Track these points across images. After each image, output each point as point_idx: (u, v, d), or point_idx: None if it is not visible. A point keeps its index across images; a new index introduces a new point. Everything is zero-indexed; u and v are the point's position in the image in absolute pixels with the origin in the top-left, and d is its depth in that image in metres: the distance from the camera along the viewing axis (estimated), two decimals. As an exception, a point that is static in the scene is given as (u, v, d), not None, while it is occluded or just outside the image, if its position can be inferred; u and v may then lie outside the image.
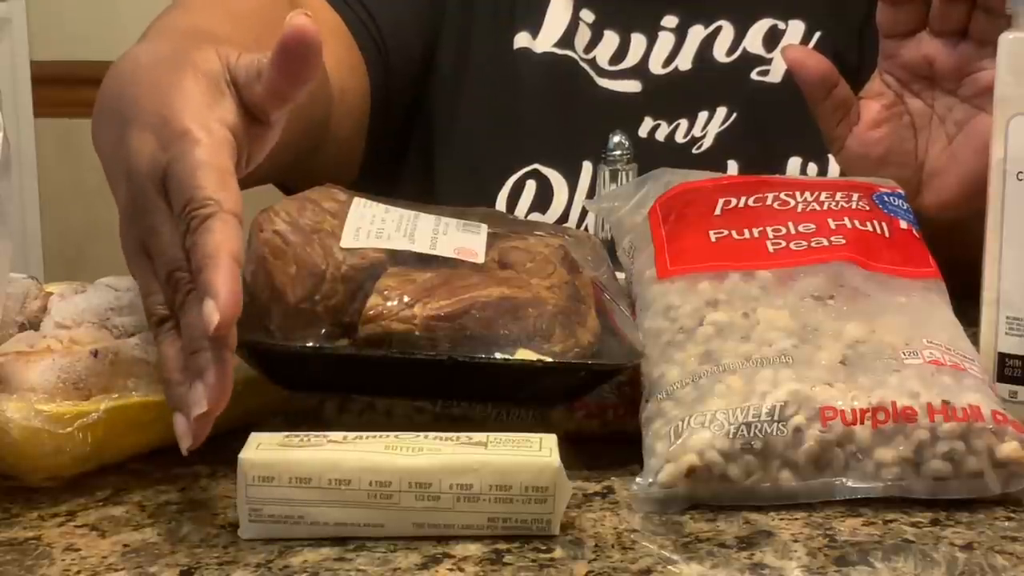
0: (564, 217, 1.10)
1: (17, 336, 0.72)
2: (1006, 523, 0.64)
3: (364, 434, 0.62)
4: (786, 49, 0.93)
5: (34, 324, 0.74)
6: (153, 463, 0.71)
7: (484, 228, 0.76)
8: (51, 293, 0.75)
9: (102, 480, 0.69)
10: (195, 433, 0.61)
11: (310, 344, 0.69)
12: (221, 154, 0.64)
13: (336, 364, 0.69)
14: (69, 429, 0.65)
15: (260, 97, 0.67)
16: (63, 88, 2.67)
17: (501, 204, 1.10)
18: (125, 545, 0.62)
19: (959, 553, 0.60)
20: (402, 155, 1.15)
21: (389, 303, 0.68)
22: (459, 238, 0.74)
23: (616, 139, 1.01)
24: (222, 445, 0.68)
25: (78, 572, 0.59)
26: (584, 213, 1.09)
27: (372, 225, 0.73)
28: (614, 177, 1.01)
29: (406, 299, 0.69)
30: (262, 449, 0.61)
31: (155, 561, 0.60)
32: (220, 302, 0.59)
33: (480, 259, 0.73)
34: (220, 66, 0.68)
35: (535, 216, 1.10)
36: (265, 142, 0.70)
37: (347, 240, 0.72)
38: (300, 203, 0.74)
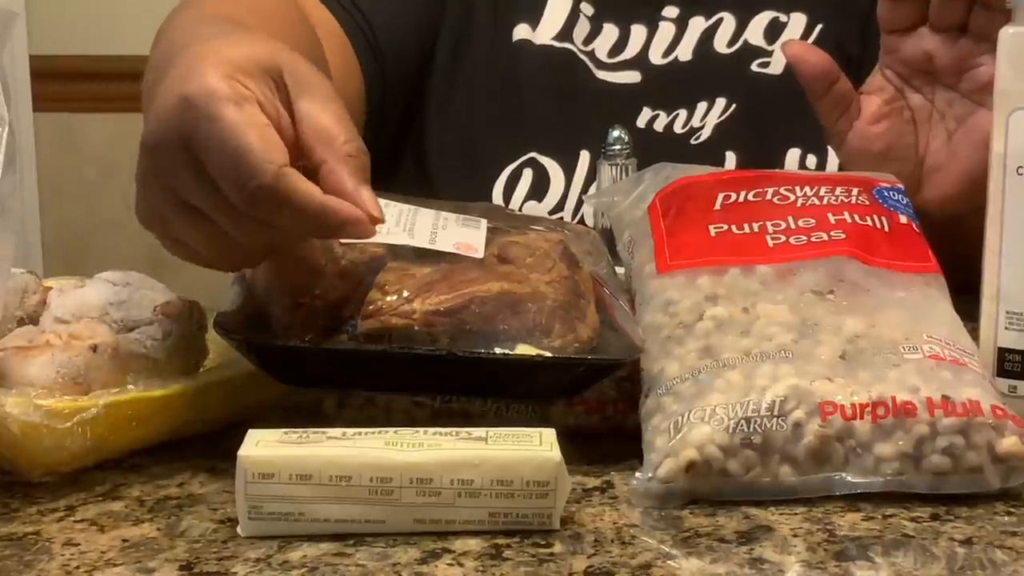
0: (560, 206, 1.10)
1: (16, 331, 0.72)
2: (1006, 518, 0.64)
3: (363, 430, 0.62)
4: (786, 44, 0.93)
5: (33, 319, 0.74)
6: (152, 458, 0.71)
7: (484, 223, 0.76)
8: (50, 288, 0.75)
9: (101, 475, 0.69)
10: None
11: (309, 339, 0.69)
12: (250, 108, 0.64)
13: (335, 359, 0.69)
14: (68, 424, 0.65)
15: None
16: (62, 83, 2.66)
17: (498, 192, 1.10)
18: (124, 540, 0.62)
19: (959, 548, 0.60)
20: (398, 153, 1.15)
21: (388, 298, 0.68)
22: (458, 233, 0.74)
23: (616, 133, 1.01)
24: (220, 440, 0.68)
25: (77, 567, 0.59)
26: (580, 202, 1.10)
27: (371, 220, 0.73)
28: (614, 171, 1.01)
29: (405, 294, 0.69)
30: (261, 446, 0.61)
31: (154, 556, 0.60)
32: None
33: (479, 254, 0.73)
34: (278, 62, 0.67)
35: (531, 204, 1.10)
36: None
37: (346, 235, 0.71)
38: (299, 198, 0.74)
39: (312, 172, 0.65)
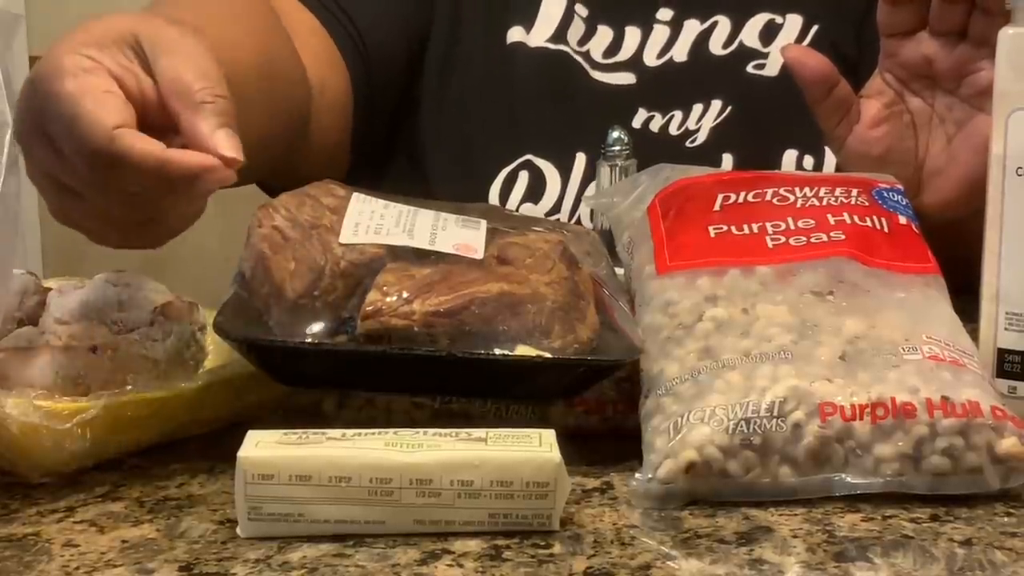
0: (556, 208, 1.10)
1: (16, 332, 0.72)
2: (1005, 519, 0.64)
3: (363, 431, 0.62)
4: (786, 48, 0.93)
5: (33, 320, 0.74)
6: (151, 459, 0.71)
7: (483, 224, 0.76)
8: (50, 289, 0.75)
9: (101, 476, 0.69)
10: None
11: (309, 340, 0.69)
12: (90, 77, 0.64)
13: (335, 360, 0.69)
14: (68, 425, 0.65)
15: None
16: (62, 83, 2.66)
17: (494, 195, 1.10)
18: (124, 541, 0.62)
19: (958, 549, 0.60)
20: (390, 156, 1.15)
21: (388, 299, 0.68)
22: (458, 234, 0.74)
23: (615, 134, 1.01)
24: (220, 441, 0.68)
25: (77, 568, 0.59)
26: (576, 205, 1.09)
27: (371, 220, 0.73)
28: (613, 173, 1.01)
29: (405, 295, 0.69)
30: (261, 447, 0.61)
31: (154, 557, 0.60)
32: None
33: (479, 255, 0.73)
34: (144, 33, 0.67)
35: (527, 206, 1.10)
36: None
37: (346, 235, 0.72)
38: (299, 198, 0.74)
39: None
